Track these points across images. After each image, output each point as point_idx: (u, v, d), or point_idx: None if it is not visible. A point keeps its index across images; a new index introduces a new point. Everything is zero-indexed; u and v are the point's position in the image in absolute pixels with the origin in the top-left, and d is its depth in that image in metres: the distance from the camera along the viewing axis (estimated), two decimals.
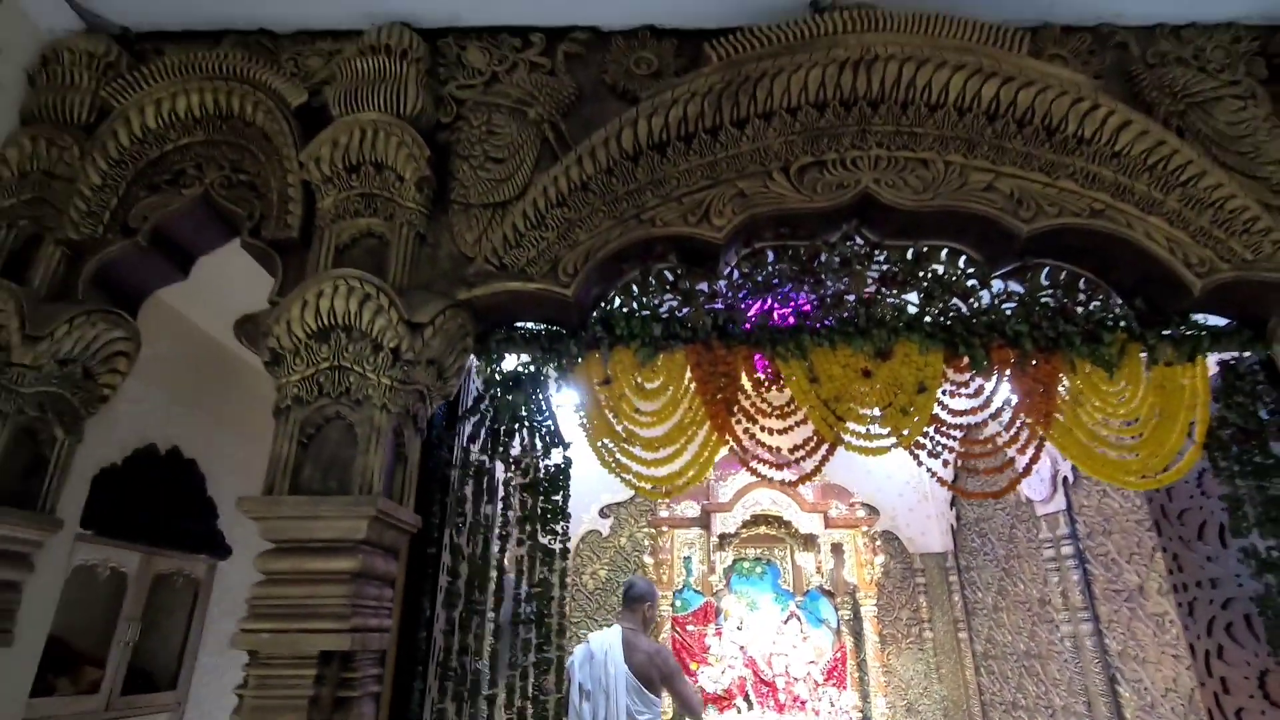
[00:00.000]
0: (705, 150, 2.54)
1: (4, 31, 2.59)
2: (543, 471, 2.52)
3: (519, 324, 2.67)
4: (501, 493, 2.52)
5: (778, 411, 2.57)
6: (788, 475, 2.56)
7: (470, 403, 2.62)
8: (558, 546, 2.43)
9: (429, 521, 2.45)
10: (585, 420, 2.56)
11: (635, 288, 2.68)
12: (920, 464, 2.60)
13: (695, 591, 5.40)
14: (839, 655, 5.23)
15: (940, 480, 2.72)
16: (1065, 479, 4.35)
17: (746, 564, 5.70)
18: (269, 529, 2.11)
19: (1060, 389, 2.60)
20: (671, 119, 2.53)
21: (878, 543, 5.21)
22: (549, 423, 2.59)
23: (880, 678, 4.93)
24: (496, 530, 2.45)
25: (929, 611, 6.00)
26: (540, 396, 2.61)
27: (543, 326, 2.67)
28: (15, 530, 2.34)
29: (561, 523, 2.49)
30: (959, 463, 2.72)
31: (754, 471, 2.53)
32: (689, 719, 3.49)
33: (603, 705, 2.81)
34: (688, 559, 5.20)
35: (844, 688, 5.00)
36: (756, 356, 2.62)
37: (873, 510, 5.82)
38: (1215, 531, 3.00)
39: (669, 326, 2.63)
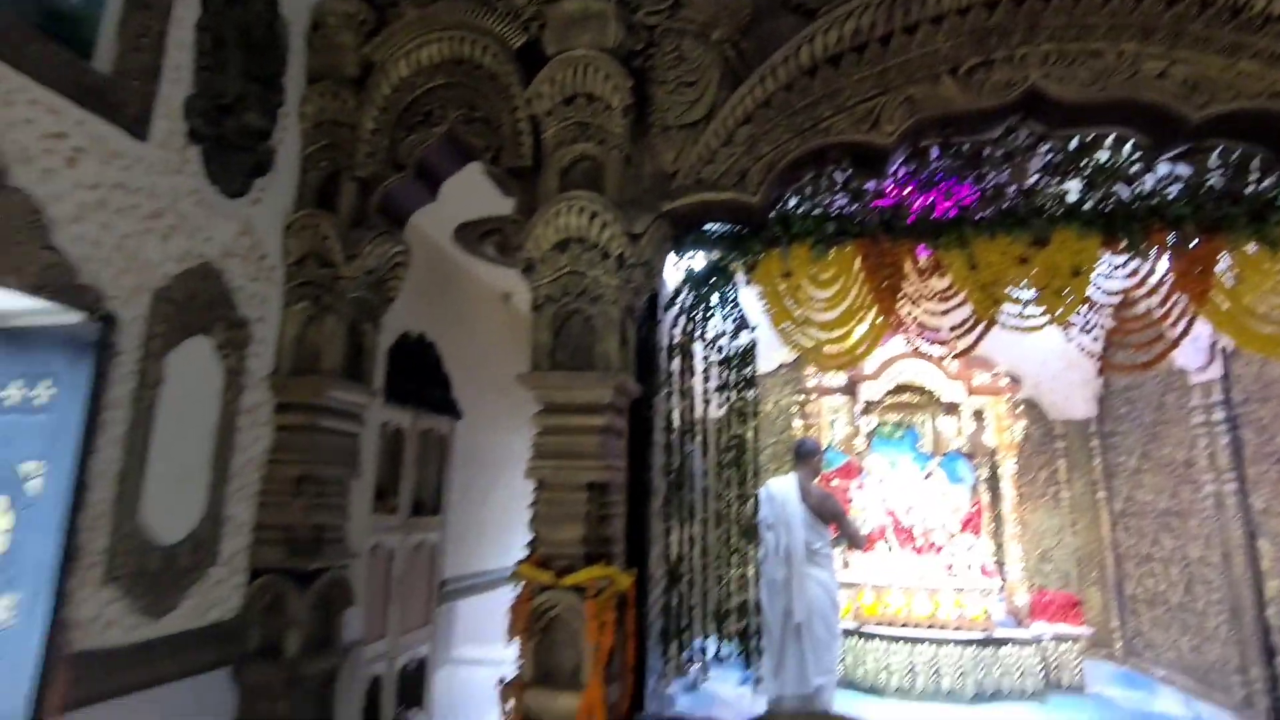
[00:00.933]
0: (876, 59, 2.79)
1: (286, 5, 3.20)
2: (733, 350, 3.09)
3: (706, 226, 3.16)
4: (701, 367, 3.13)
5: (938, 295, 2.94)
6: (946, 352, 2.97)
7: (671, 295, 3.19)
8: (750, 410, 3.04)
9: (645, 390, 3.12)
10: (768, 308, 3.06)
11: (809, 189, 3.07)
12: (1071, 340, 2.90)
13: (839, 452, 5.99)
14: (974, 509, 5.73)
15: (1090, 353, 3.01)
16: (1224, 349, 4.40)
17: (887, 428, 6.20)
18: (541, 395, 2.85)
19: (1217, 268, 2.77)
20: (846, 31, 2.78)
21: (1018, 409, 5.50)
22: (737, 309, 3.12)
23: (1015, 529, 5.40)
24: (700, 397, 3.09)
25: (1067, 473, 6.30)
26: (729, 287, 3.12)
27: (728, 227, 3.14)
28: (353, 396, 3.23)
29: (751, 390, 3.07)
30: (1109, 335, 2.96)
31: (917, 351, 2.96)
32: (853, 547, 4.18)
33: (784, 535, 3.52)
34: (833, 422, 5.76)
35: (978, 535, 5.53)
36: (920, 247, 2.97)
37: (1014, 379, 6.03)
38: None
39: (840, 224, 3.02)
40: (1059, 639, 5.06)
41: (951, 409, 5.53)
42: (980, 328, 2.92)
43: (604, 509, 2.80)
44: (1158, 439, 5.30)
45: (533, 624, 2.65)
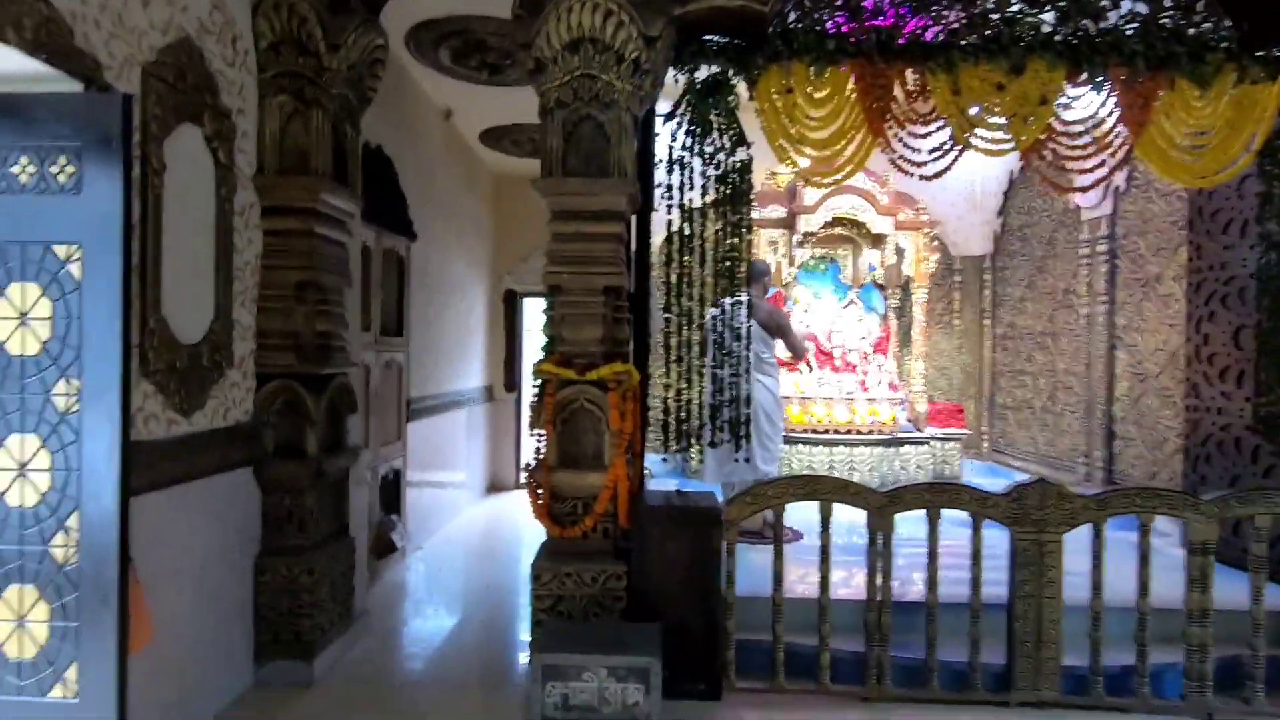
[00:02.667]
0: None
1: None
2: (731, 165, 3.20)
3: (707, 37, 3.15)
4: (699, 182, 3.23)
5: (922, 118, 3.17)
6: (924, 172, 3.24)
7: (672, 107, 3.21)
8: (745, 224, 3.22)
9: (645, 202, 3.22)
10: (765, 124, 3.17)
11: (807, 3, 3.11)
12: (1031, 165, 3.25)
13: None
14: (884, 334, 6.42)
15: (1045, 179, 3.38)
16: (1117, 188, 5.02)
17: (811, 261, 6.64)
18: (557, 202, 2.89)
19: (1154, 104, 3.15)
20: None
21: (934, 244, 6.06)
22: (735, 124, 3.20)
23: (923, 349, 6.15)
24: (697, 210, 3.22)
25: (960, 303, 7.11)
26: (727, 103, 3.18)
27: (729, 41, 3.14)
28: (342, 202, 3.11)
29: (745, 205, 3.24)
30: (1051, 164, 3.30)
31: (899, 168, 3.21)
32: (796, 357, 4.65)
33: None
34: (770, 254, 6.09)
35: (886, 356, 6.26)
36: (909, 70, 3.14)
37: (930, 218, 6.55)
38: (1239, 227, 3.77)
39: (839, 41, 3.10)
40: (946, 439, 6.01)
41: (878, 241, 6.00)
42: (956, 151, 3.20)
43: (616, 312, 2.98)
44: (1043, 271, 6.07)
45: (556, 415, 2.88)
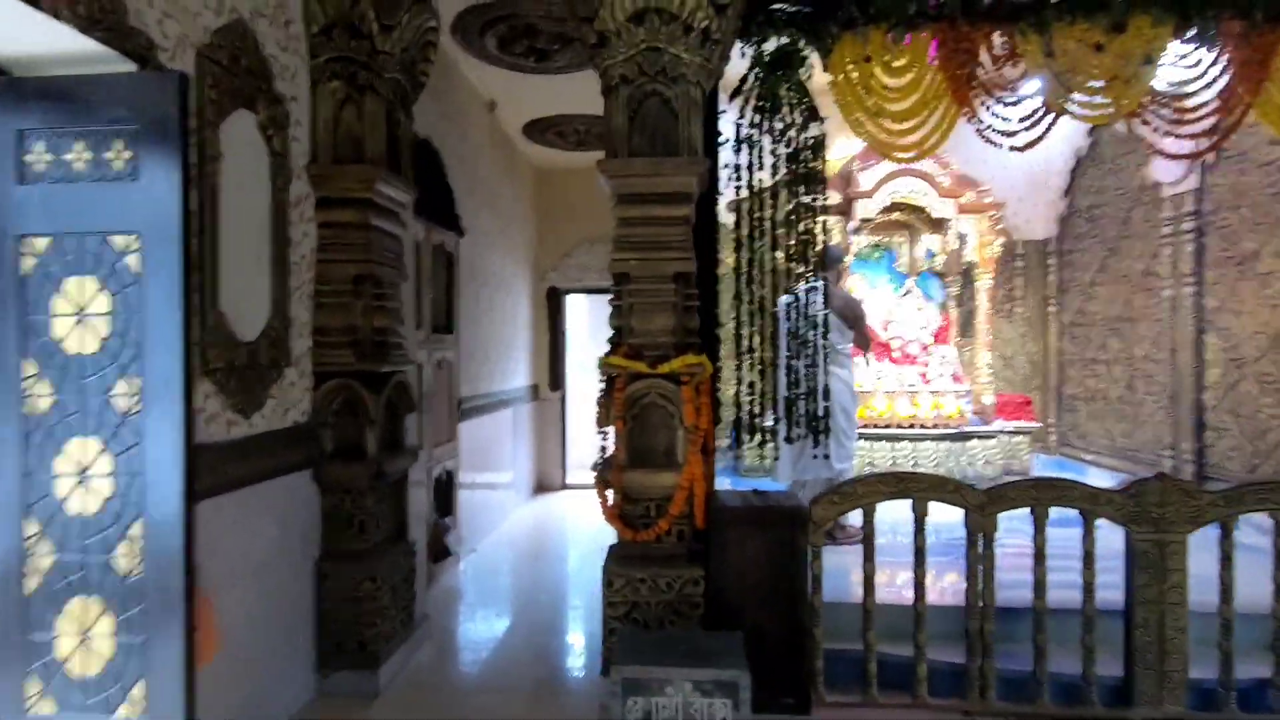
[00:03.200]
0: None
1: None
2: (803, 142, 3.00)
3: (776, 5, 2.95)
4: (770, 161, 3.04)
5: (1011, 85, 2.93)
6: (1014, 143, 3.00)
7: (738, 82, 3.02)
8: (819, 205, 3.02)
9: (711, 184, 3.03)
10: (839, 97, 2.96)
11: None
12: (1132, 131, 2.98)
13: None
14: (944, 324, 6.13)
15: (1149, 146, 3.11)
16: (1204, 161, 4.68)
17: (865, 250, 6.38)
18: (623, 185, 2.72)
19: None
20: None
21: (998, 227, 5.75)
22: (807, 98, 3.00)
23: (988, 338, 5.86)
24: (768, 192, 3.03)
25: (1023, 290, 6.77)
26: (798, 76, 2.98)
27: (799, 9, 2.94)
28: (397, 192, 2.99)
29: (820, 184, 3.04)
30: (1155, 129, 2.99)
31: (987, 139, 2.98)
32: (862, 350, 4.40)
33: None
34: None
35: (948, 346, 5.98)
36: (996, 33, 2.90)
37: (995, 200, 6.24)
38: None
39: (919, 4, 2.88)
40: (1015, 432, 5.71)
41: (938, 226, 5.72)
42: (1049, 119, 2.95)
43: (687, 300, 2.80)
44: (1117, 253, 5.73)
45: (626, 411, 2.71)
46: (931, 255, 6.23)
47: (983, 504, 2.59)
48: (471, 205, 4.86)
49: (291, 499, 2.62)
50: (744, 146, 3.01)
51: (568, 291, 7.37)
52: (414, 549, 3.17)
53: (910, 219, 5.97)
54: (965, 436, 5.53)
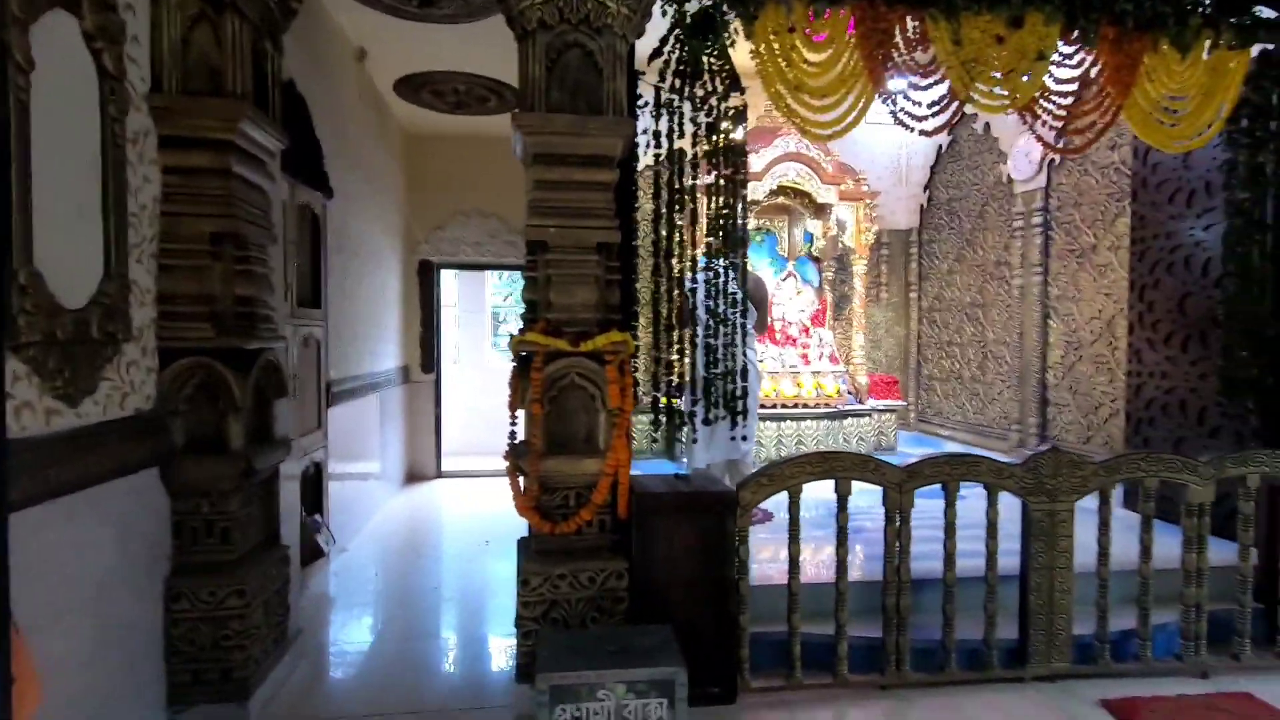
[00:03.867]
0: None
1: None
2: (724, 111, 2.88)
3: None
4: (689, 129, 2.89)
5: (922, 70, 2.98)
6: (924, 127, 3.07)
7: (659, 43, 2.83)
8: (741, 178, 2.92)
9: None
10: (762, 67, 2.87)
11: None
12: (1027, 125, 3.15)
13: None
14: (820, 307, 6.37)
15: (1039, 139, 3.29)
16: (1051, 161, 5.15)
17: (750, 232, 6.47)
18: (541, 143, 2.45)
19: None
20: None
21: (874, 215, 6.03)
22: (728, 65, 2.87)
23: (861, 320, 6.15)
24: (688, 162, 2.88)
25: (887, 276, 7.19)
26: (722, 42, 2.85)
27: None
28: (263, 135, 2.52)
29: (741, 157, 2.93)
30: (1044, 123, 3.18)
31: (900, 122, 3.02)
32: (759, 331, 4.42)
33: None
34: None
35: (824, 328, 6.22)
36: (909, 16, 2.93)
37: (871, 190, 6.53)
38: (1185, 197, 3.89)
39: None
40: (885, 410, 6.05)
41: (820, 211, 5.89)
42: (954, 106, 3.05)
43: (609, 273, 2.60)
44: (973, 244, 6.21)
45: (544, 394, 2.47)
46: (810, 240, 6.43)
47: (902, 481, 2.63)
48: (340, 165, 4.32)
49: (134, 505, 2.14)
50: (663, 112, 2.83)
51: (441, 266, 6.87)
52: (288, 555, 2.74)
53: (793, 203, 6.10)
54: (842, 415, 5.77)
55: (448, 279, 8.26)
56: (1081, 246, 4.97)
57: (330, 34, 4.19)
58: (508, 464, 2.55)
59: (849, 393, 5.95)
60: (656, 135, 2.85)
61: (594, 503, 2.48)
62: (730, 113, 2.89)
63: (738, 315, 3.03)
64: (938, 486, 2.67)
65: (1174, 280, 3.98)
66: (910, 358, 7.16)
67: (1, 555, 1.36)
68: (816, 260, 6.53)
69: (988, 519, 2.70)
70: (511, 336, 2.50)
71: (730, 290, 2.94)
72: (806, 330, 6.17)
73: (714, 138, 2.89)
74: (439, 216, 6.71)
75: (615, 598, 2.50)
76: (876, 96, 2.98)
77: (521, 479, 2.52)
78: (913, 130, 3.07)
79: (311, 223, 3.93)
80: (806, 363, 5.91)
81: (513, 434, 2.62)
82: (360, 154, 4.93)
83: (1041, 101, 3.13)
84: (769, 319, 4.40)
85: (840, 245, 6.05)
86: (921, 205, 6.92)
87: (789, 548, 2.59)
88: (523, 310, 2.63)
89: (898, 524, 2.63)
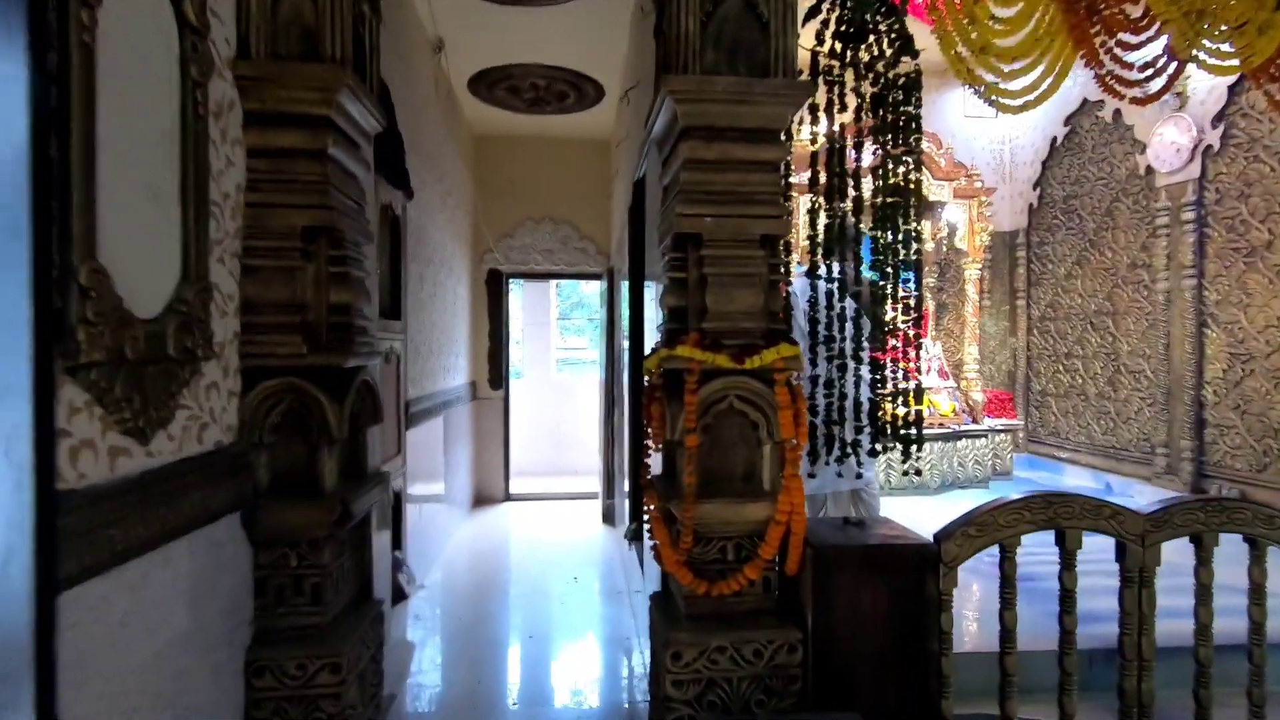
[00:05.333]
0: None
1: None
2: (894, 79, 2.41)
3: None
4: (854, 102, 2.42)
5: (1133, 25, 2.45)
6: (1135, 93, 2.54)
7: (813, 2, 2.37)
8: (915, 157, 2.44)
9: None
10: (938, 28, 2.38)
11: None
12: (1264, 92, 2.59)
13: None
14: (924, 316, 5.80)
15: (1272, 102, 2.73)
16: (1209, 146, 4.52)
17: None
18: (696, 113, 2.00)
19: None
20: None
21: (990, 215, 5.47)
22: (898, 24, 2.40)
23: (975, 331, 5.56)
24: (850, 139, 2.41)
25: (990, 283, 6.57)
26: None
27: None
28: (362, 113, 2.13)
29: (915, 134, 2.46)
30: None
31: (1108, 87, 2.49)
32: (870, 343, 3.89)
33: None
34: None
35: (928, 339, 5.65)
36: None
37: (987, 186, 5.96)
38: None
39: None
40: (1002, 431, 5.45)
41: (930, 209, 5.35)
42: (1173, 67, 2.51)
43: (774, 272, 2.12)
44: (1098, 245, 5.58)
45: (699, 421, 2.00)
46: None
47: (1144, 532, 2.08)
48: (418, 164, 3.96)
49: (213, 561, 1.73)
50: (822, 78, 2.36)
51: (511, 275, 6.50)
52: (382, 613, 2.31)
53: (900, 201, 5.55)
54: (956, 436, 5.19)
55: (519, 289, 7.92)
56: (1251, 244, 4.32)
57: (408, 18, 3.84)
58: (650, 505, 2.08)
59: (963, 411, 5.35)
60: (814, 108, 2.38)
61: (762, 557, 1.99)
62: (902, 81, 2.40)
63: (881, 330, 2.56)
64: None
65: None
66: (1018, 372, 6.51)
67: (44, 651, 0.95)
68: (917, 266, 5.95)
69: (1251, 579, 2.13)
70: (661, 350, 2.03)
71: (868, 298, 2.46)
72: (891, 351, 5.59)
73: (881, 111, 2.41)
74: (509, 223, 6.36)
75: (787, 676, 2.00)
76: (1078, 59, 2.46)
77: (673, 528, 2.05)
78: (1123, 98, 2.53)
79: (392, 225, 3.56)
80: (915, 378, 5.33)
81: (645, 469, 2.17)
82: (435, 154, 4.57)
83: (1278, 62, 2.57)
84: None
85: (944, 249, 5.48)
86: (1031, 204, 6.30)
87: (1002, 615, 2.06)
88: (663, 321, 2.17)
89: (1136, 587, 2.08)
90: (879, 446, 2.45)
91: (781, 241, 2.12)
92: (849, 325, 2.52)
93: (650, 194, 3.36)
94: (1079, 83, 5.63)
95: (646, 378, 2.14)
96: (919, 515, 4.62)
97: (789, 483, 1.99)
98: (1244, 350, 4.37)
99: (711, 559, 2.05)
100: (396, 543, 3.57)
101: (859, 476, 3.51)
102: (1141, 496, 4.91)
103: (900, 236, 2.45)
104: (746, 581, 1.99)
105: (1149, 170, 4.96)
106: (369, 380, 2.19)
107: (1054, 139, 5.94)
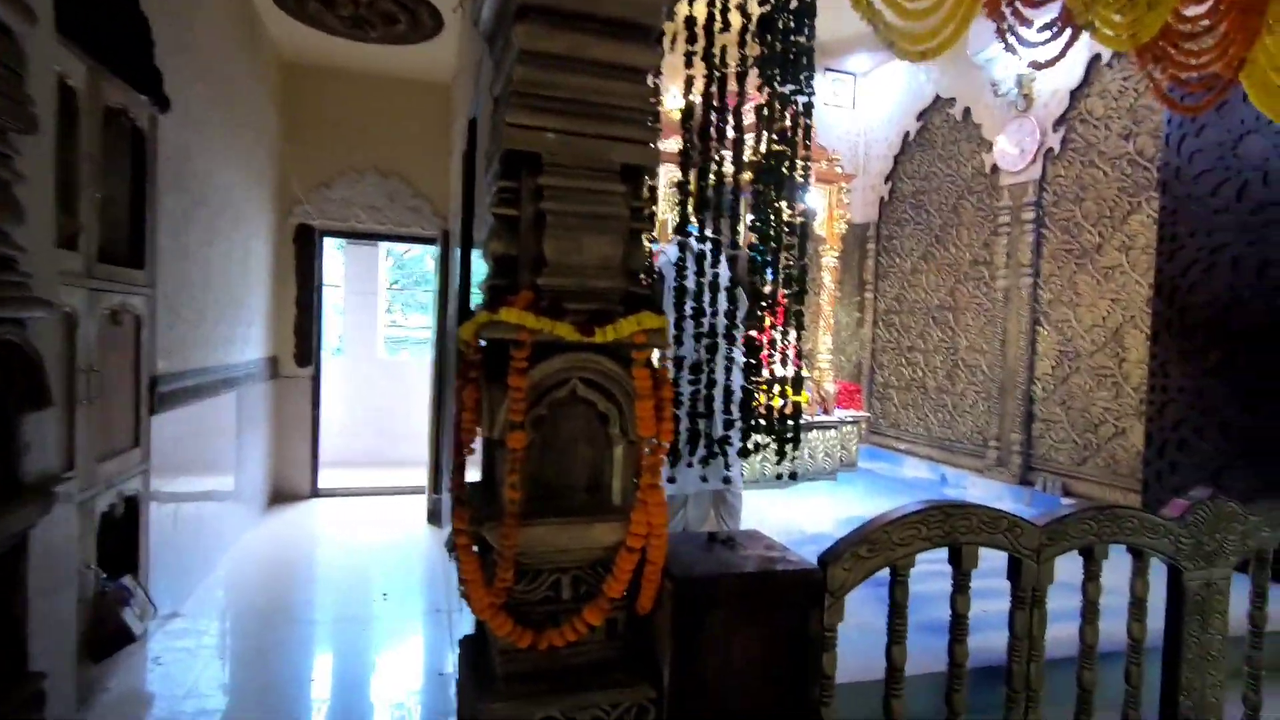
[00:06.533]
0: None
1: None
2: (782, 18, 1.98)
3: None
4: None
5: None
6: (1035, 56, 2.30)
7: None
8: (806, 101, 2.02)
9: None
10: None
11: None
12: (1146, 72, 2.46)
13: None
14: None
15: (1158, 93, 2.61)
16: (1050, 149, 4.64)
17: None
18: None
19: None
20: None
21: (848, 203, 5.36)
22: None
23: (830, 321, 5.45)
24: (733, 67, 1.96)
25: (841, 275, 6.56)
26: None
27: None
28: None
29: (805, 71, 2.05)
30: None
31: (1009, 46, 2.23)
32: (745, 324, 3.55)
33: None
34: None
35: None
36: None
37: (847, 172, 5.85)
38: (1234, 190, 3.40)
39: None
40: (850, 423, 5.40)
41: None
42: (1069, 32, 2.30)
43: (637, 219, 1.62)
44: (943, 241, 5.67)
45: (529, 411, 1.45)
46: None
47: (1040, 546, 1.82)
48: (183, 70, 3.04)
49: None
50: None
51: (326, 233, 5.54)
52: (43, 690, 1.54)
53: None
54: (809, 427, 5.04)
55: (332, 252, 6.86)
56: (1083, 246, 4.48)
57: None
58: (456, 525, 1.51)
59: (816, 403, 5.23)
60: (691, 24, 1.90)
61: (606, 596, 1.49)
62: (794, 4, 1.99)
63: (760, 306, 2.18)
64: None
65: (1216, 285, 3.48)
66: (863, 363, 6.57)
67: None
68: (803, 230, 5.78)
69: (1133, 593, 1.96)
70: (480, 314, 1.46)
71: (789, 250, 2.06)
72: (767, 331, 5.38)
73: (769, 37, 1.98)
74: (325, 172, 5.40)
75: None
76: (981, 9, 2.18)
77: (485, 555, 1.49)
78: (1019, 56, 2.30)
79: (132, 139, 2.66)
80: (768, 365, 5.11)
81: (457, 473, 1.59)
82: (218, 67, 3.62)
83: (1161, 43, 2.45)
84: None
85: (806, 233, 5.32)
86: (882, 198, 6.35)
87: (890, 651, 1.71)
88: (487, 276, 1.60)
89: (1030, 607, 1.82)
90: (752, 444, 2.04)
91: (649, 183, 1.63)
92: (722, 298, 2.08)
93: (484, 125, 2.74)
94: (932, 79, 5.70)
95: (462, 351, 1.55)
96: (773, 514, 4.41)
97: (647, 495, 1.50)
98: (1071, 348, 4.54)
99: (541, 598, 1.52)
100: (128, 564, 2.69)
101: (727, 480, 3.15)
102: (974, 488, 5.03)
103: (786, 192, 2.04)
104: (586, 629, 1.48)
105: (994, 169, 5.07)
106: (21, 343, 1.42)
107: (907, 133, 5.99)
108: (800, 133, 2.05)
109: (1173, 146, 3.71)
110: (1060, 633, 2.00)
